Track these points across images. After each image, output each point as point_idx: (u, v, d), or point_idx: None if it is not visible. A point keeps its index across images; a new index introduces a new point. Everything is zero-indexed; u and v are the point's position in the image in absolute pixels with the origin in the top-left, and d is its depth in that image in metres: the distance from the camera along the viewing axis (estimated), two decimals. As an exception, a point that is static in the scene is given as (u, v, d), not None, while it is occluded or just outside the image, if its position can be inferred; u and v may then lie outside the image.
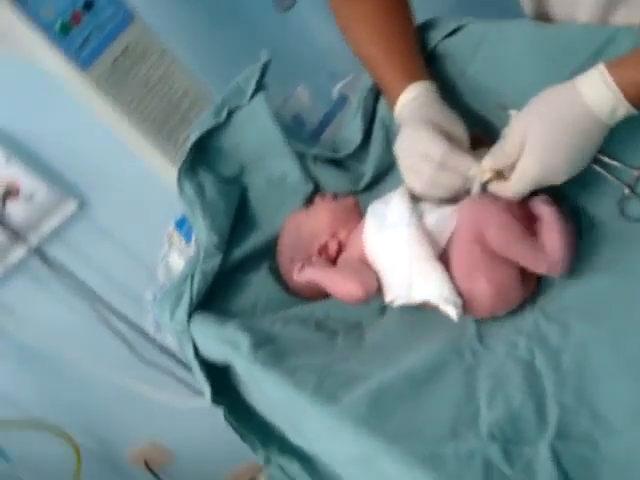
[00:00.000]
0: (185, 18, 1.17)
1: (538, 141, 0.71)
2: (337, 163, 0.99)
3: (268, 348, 0.76)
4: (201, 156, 0.96)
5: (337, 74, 1.13)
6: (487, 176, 0.76)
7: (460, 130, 0.81)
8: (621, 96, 0.68)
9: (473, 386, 0.65)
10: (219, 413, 0.88)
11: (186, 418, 1.71)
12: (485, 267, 0.73)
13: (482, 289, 0.73)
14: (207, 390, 0.85)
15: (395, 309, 0.83)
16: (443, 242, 0.76)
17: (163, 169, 1.08)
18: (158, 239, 1.14)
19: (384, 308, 0.85)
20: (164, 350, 1.53)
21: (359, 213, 0.89)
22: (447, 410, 0.63)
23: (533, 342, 0.68)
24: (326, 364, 0.74)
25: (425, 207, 0.79)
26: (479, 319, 0.75)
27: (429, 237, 0.75)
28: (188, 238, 1.09)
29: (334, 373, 0.71)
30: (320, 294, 0.87)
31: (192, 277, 0.86)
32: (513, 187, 0.74)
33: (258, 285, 0.91)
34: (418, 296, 0.74)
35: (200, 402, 1.19)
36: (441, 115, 0.81)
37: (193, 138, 0.94)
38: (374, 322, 0.84)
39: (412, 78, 0.84)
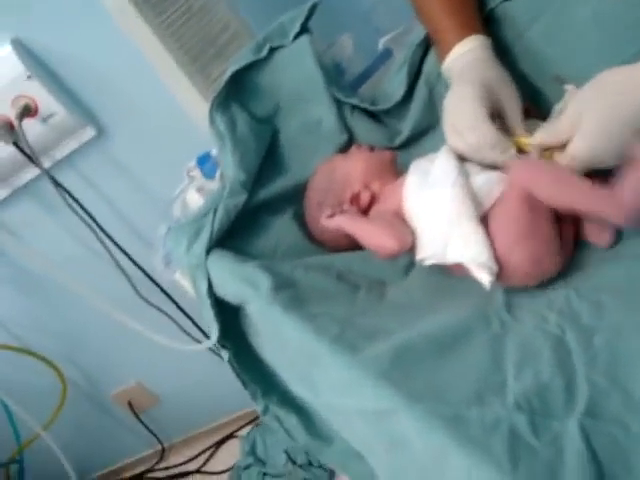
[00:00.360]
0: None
1: (591, 125, 0.68)
2: (374, 116, 0.96)
3: (289, 292, 0.74)
4: (236, 91, 0.93)
5: (383, 29, 1.09)
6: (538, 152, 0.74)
7: (512, 94, 0.78)
8: None
9: (500, 355, 0.63)
10: (209, 364, 0.85)
11: (177, 366, 1.69)
12: (527, 234, 0.70)
13: (521, 259, 0.70)
14: (215, 329, 0.83)
15: (420, 271, 0.80)
16: (487, 206, 0.72)
17: (192, 103, 1.04)
18: (175, 179, 1.10)
19: (409, 268, 0.82)
20: (165, 292, 1.51)
21: (395, 168, 0.86)
22: (472, 375, 0.60)
23: (564, 319, 0.66)
24: (347, 315, 0.71)
25: (471, 169, 0.76)
26: (508, 289, 0.72)
27: (474, 199, 0.72)
28: (209, 176, 1.06)
29: (356, 325, 0.69)
30: (343, 245, 0.85)
31: (215, 212, 0.83)
32: None
33: (281, 229, 0.89)
34: (453, 257, 0.71)
35: (194, 348, 1.17)
36: (494, 76, 0.78)
37: (230, 71, 0.91)
38: (397, 281, 0.81)
39: (468, 31, 0.81)
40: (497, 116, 0.77)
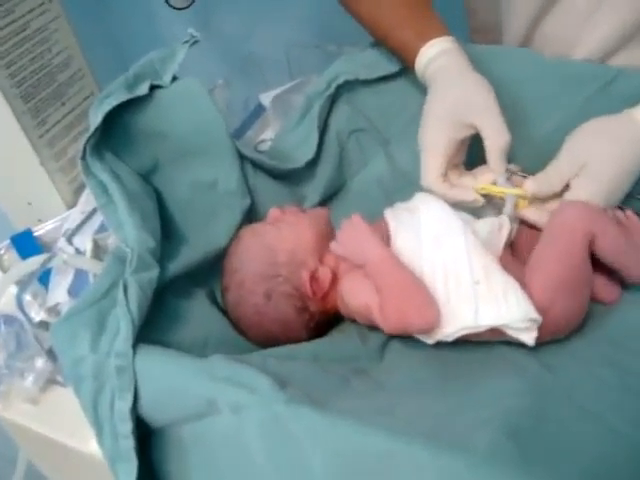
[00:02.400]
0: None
1: (603, 178, 0.64)
2: (275, 178, 0.79)
3: (295, 388, 0.51)
4: (106, 138, 0.68)
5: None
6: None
7: (490, 115, 0.69)
8: None
9: (586, 409, 0.51)
10: None
11: None
12: (578, 285, 0.60)
13: (563, 311, 0.59)
14: (132, 468, 0.54)
15: (398, 349, 0.64)
16: (498, 257, 0.62)
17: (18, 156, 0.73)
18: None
19: (383, 348, 0.65)
20: None
21: (334, 230, 0.70)
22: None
23: (619, 373, 0.56)
24: (381, 408, 0.52)
25: (465, 216, 0.65)
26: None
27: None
28: (26, 256, 0.75)
29: (411, 417, 0.50)
30: (286, 339, 0.65)
31: (125, 289, 0.57)
32: None
33: (205, 316, 0.65)
34: (489, 321, 0.57)
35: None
36: (467, 93, 0.69)
37: (105, 107, 0.66)
38: (377, 366, 0.62)
39: (435, 31, 0.74)
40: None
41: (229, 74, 0.95)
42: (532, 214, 0.67)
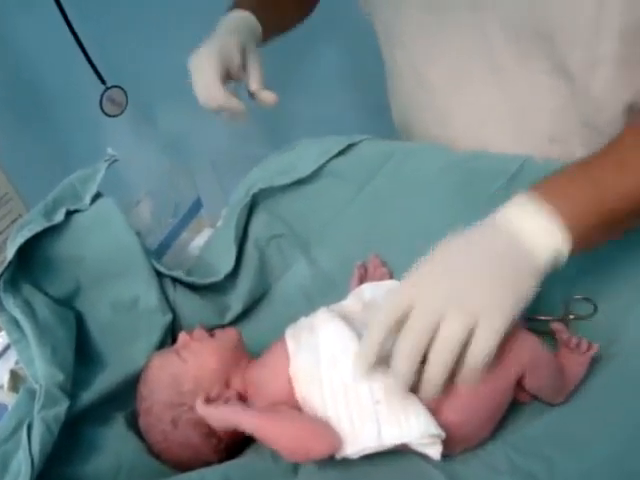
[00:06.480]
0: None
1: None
2: (197, 290, 0.81)
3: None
4: (25, 267, 0.71)
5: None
6: None
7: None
8: (552, 212, 0.57)
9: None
10: None
11: None
12: (495, 412, 0.62)
13: (475, 430, 0.61)
14: None
15: (310, 467, 0.64)
16: None
17: None
18: None
19: (296, 465, 0.65)
20: None
21: (244, 348, 0.70)
22: None
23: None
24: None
25: (362, 328, 0.66)
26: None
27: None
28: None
29: None
30: (201, 461, 0.65)
31: (29, 430, 0.58)
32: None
33: (119, 444, 0.65)
34: (392, 439, 0.58)
35: None
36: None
37: (19, 240, 0.69)
38: (289, 484, 0.63)
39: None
40: None
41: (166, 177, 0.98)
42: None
